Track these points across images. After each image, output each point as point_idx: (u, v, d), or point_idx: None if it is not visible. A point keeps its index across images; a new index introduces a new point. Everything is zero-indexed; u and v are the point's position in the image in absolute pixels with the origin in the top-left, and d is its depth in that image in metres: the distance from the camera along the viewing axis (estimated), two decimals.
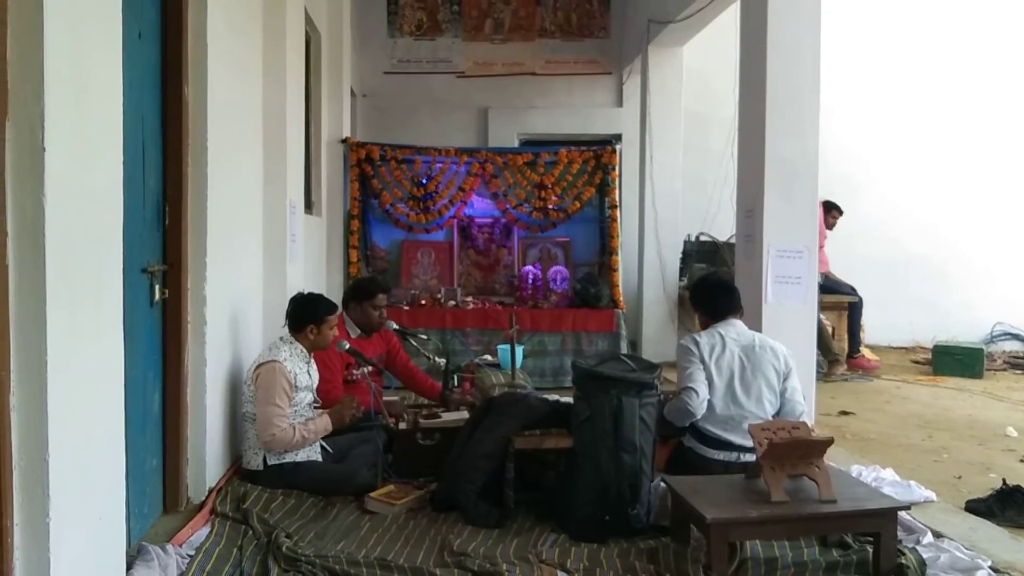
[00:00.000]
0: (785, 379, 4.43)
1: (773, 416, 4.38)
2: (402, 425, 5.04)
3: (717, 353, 4.39)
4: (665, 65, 9.33)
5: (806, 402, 4.62)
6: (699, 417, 4.30)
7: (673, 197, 9.35)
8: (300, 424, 4.48)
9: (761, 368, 4.39)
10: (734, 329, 4.51)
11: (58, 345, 2.42)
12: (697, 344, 4.43)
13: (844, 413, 6.91)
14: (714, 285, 4.82)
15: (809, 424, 4.45)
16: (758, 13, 5.53)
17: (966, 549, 3.69)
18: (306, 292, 4.92)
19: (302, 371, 4.59)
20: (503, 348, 5.95)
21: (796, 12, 5.46)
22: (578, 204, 8.46)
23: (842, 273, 9.16)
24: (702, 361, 4.37)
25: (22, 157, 2.34)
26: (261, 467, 4.46)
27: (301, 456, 4.51)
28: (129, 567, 3.17)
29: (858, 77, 10.70)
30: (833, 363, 8.38)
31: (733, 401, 4.33)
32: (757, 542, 3.66)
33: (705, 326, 4.62)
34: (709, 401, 4.30)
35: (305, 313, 4.71)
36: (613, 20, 10.71)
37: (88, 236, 2.66)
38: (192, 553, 3.54)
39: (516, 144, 10.49)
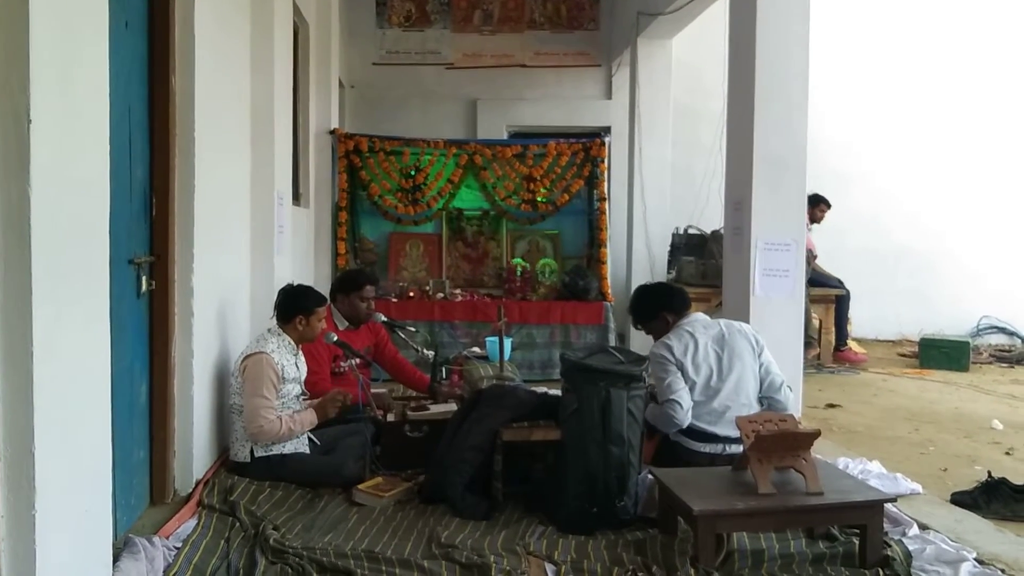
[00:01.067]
0: (759, 355, 4.46)
1: (757, 399, 4.41)
2: (390, 417, 5.03)
3: (691, 352, 4.40)
4: (654, 58, 9.35)
5: (793, 394, 4.64)
6: (685, 427, 4.31)
7: (662, 190, 9.37)
8: (287, 416, 4.47)
9: (738, 353, 4.41)
10: (700, 323, 4.52)
11: (44, 336, 2.41)
12: (670, 349, 4.42)
13: (831, 406, 6.94)
14: (661, 286, 4.86)
15: (796, 416, 4.47)
16: (747, 6, 5.53)
17: (952, 541, 3.72)
18: (295, 283, 4.92)
19: (289, 363, 4.58)
20: (491, 340, 5.95)
21: (785, 5, 5.46)
22: (567, 196, 8.44)
23: (831, 265, 9.19)
24: (679, 366, 4.37)
25: (8, 147, 2.33)
26: (248, 459, 4.45)
27: (288, 448, 4.50)
28: (116, 559, 3.16)
29: (848, 70, 10.72)
30: (806, 346, 8.34)
31: (715, 394, 4.35)
32: (744, 534, 3.69)
33: (661, 332, 4.61)
34: (692, 396, 4.31)
35: (294, 304, 4.70)
36: (602, 12, 10.71)
37: (74, 227, 2.64)
38: (179, 545, 3.53)
39: (505, 136, 10.48)
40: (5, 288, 2.34)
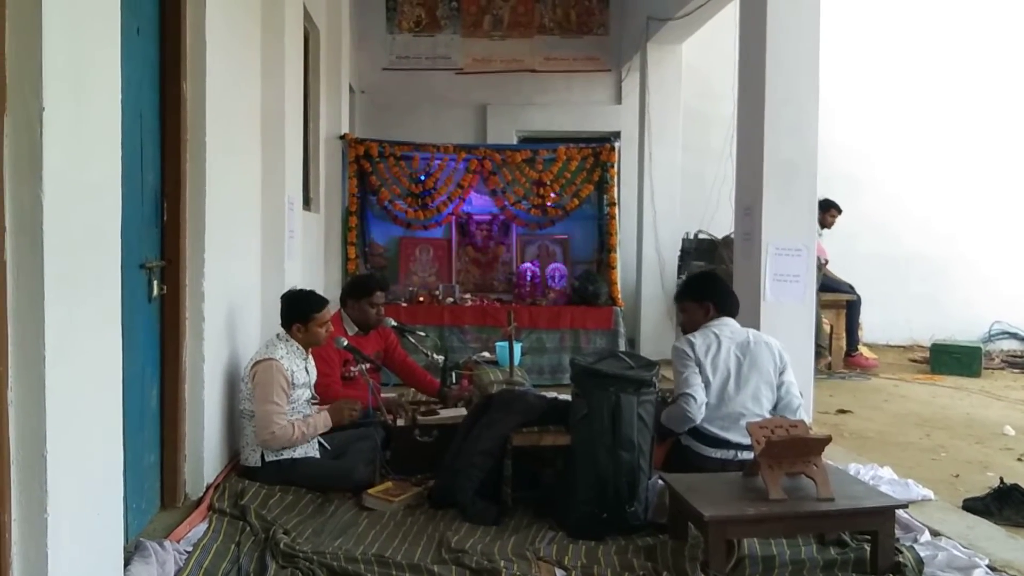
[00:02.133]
0: (781, 373, 4.42)
1: (770, 411, 4.38)
2: (400, 422, 5.03)
3: (712, 352, 4.38)
4: (664, 62, 9.33)
5: (804, 399, 4.62)
6: (698, 423, 4.29)
7: (672, 195, 9.36)
8: (299, 421, 4.48)
9: (757, 364, 4.38)
10: (728, 327, 4.50)
11: (56, 341, 2.42)
12: (692, 345, 4.41)
13: (842, 411, 6.92)
14: (724, 282, 4.79)
15: (807, 422, 4.45)
16: (757, 10, 5.51)
17: (964, 547, 3.70)
18: (296, 288, 4.90)
19: (299, 368, 4.58)
20: (501, 345, 5.94)
21: (795, 9, 5.44)
22: (577, 201, 8.45)
23: (842, 270, 9.16)
24: (698, 363, 4.35)
25: (20, 153, 2.34)
26: (259, 463, 4.46)
27: (299, 452, 4.50)
28: (127, 563, 3.17)
29: (859, 74, 10.69)
30: (817, 355, 8.32)
31: (730, 399, 4.32)
32: (755, 540, 3.66)
33: (692, 325, 4.59)
34: (706, 400, 4.30)
35: (292, 311, 4.69)
36: (612, 17, 10.70)
37: (86, 232, 2.66)
38: (190, 549, 3.54)
39: (515, 141, 10.48)
40: (18, 293, 2.35)
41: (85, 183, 2.64)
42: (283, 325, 4.71)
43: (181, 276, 4.08)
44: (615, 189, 8.59)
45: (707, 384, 4.32)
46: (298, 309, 4.70)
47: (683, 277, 9.14)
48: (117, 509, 2.96)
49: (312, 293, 4.87)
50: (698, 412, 4.25)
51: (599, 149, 8.51)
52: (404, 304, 7.88)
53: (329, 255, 8.30)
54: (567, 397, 4.39)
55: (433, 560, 3.59)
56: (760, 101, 5.46)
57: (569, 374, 4.34)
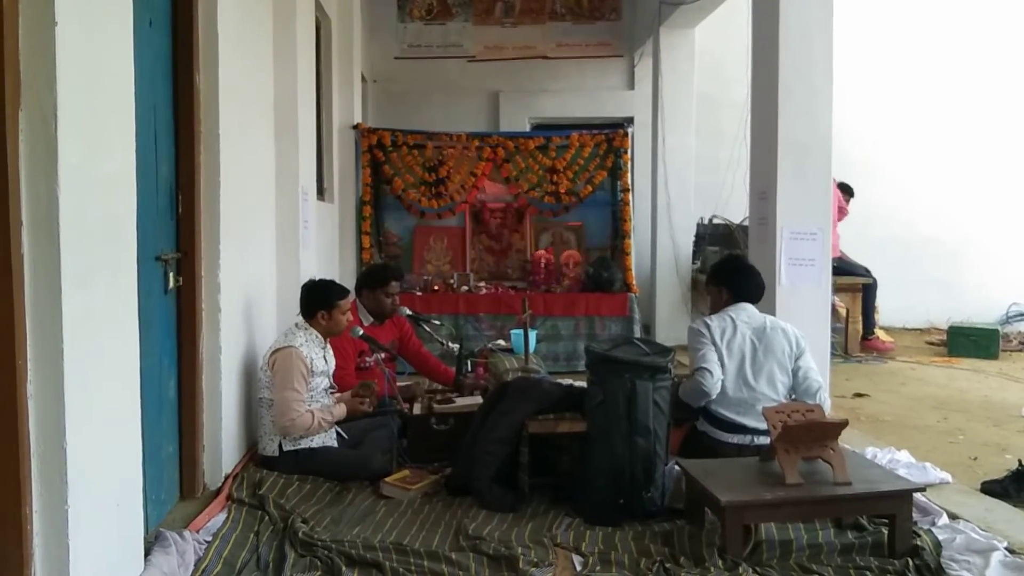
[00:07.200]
0: (798, 358, 4.41)
1: (787, 396, 4.37)
2: (416, 409, 5.05)
3: (728, 336, 4.38)
4: (677, 47, 9.29)
5: (829, 399, 4.59)
6: (714, 397, 4.29)
7: (686, 180, 9.31)
8: (317, 409, 4.50)
9: (772, 349, 4.37)
10: (745, 312, 4.49)
11: (74, 333, 2.44)
12: (708, 327, 4.42)
13: (859, 395, 6.90)
14: (749, 268, 4.77)
15: (829, 404, 4.44)
16: None
17: (982, 531, 3.69)
18: (316, 278, 4.94)
19: (318, 356, 4.60)
20: (516, 333, 5.94)
21: None
22: (590, 188, 8.44)
23: (857, 255, 9.11)
24: (713, 343, 4.36)
25: (36, 147, 2.35)
26: (277, 453, 4.48)
27: (316, 442, 4.53)
28: (147, 553, 3.20)
29: (873, 59, 10.61)
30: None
31: (745, 384, 4.32)
32: (772, 524, 3.67)
33: (717, 307, 4.60)
34: (722, 384, 4.29)
35: (315, 299, 4.72)
36: (624, 2, 10.64)
37: (102, 225, 2.67)
38: (209, 539, 3.57)
39: (528, 128, 10.46)
40: (35, 286, 2.37)
41: (100, 176, 2.66)
42: (305, 314, 4.73)
43: (197, 268, 4.09)
44: (628, 175, 8.57)
45: (722, 366, 4.32)
46: (322, 297, 4.73)
47: (697, 263, 9.14)
48: (137, 500, 2.99)
49: (334, 282, 4.92)
50: (714, 386, 4.25)
51: (612, 135, 8.49)
52: (419, 293, 7.89)
53: (344, 245, 8.32)
54: (583, 384, 4.39)
55: (451, 547, 3.60)
56: (774, 84, 5.43)
57: (584, 361, 4.33)
